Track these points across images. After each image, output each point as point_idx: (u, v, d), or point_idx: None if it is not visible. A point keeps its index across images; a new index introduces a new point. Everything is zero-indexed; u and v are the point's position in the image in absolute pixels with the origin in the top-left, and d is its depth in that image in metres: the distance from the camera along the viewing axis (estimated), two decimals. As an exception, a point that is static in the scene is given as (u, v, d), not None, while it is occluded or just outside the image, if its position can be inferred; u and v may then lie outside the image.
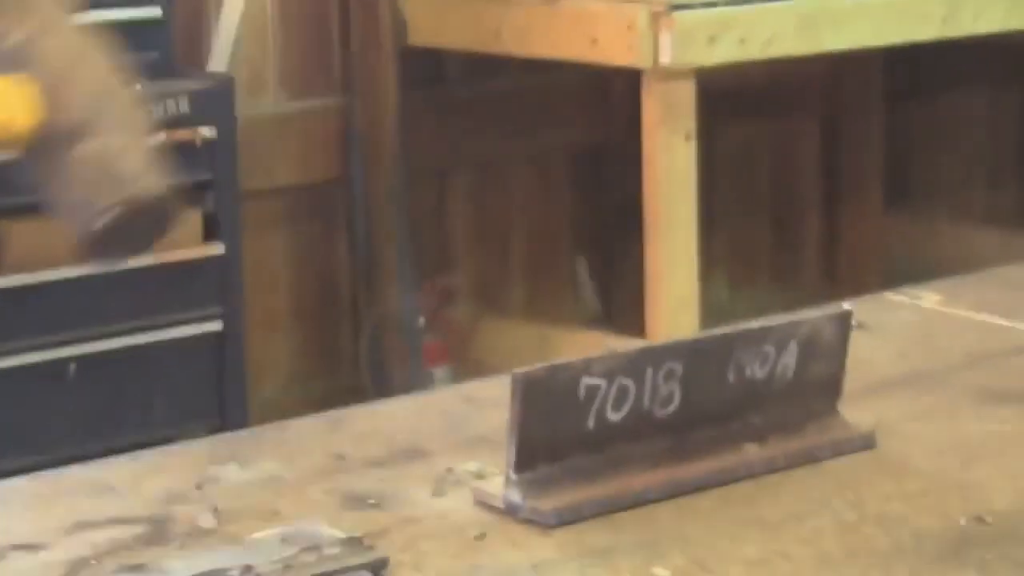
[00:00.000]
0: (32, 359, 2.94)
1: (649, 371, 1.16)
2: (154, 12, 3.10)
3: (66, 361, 2.96)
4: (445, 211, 3.75)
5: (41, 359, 2.95)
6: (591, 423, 1.16)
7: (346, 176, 3.55)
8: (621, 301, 3.84)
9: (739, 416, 1.24)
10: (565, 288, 3.91)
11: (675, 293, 3.18)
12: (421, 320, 3.53)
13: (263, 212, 3.48)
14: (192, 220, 3.08)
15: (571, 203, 3.91)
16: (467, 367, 3.60)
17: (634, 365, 1.15)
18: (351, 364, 3.61)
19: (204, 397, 3.11)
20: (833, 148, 4.22)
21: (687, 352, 1.16)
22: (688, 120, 3.16)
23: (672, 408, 1.19)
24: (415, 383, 3.48)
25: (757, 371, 1.20)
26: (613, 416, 1.17)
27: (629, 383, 1.16)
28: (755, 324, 1.20)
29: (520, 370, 1.14)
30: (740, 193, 4.10)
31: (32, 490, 1.38)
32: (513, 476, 1.21)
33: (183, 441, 1.49)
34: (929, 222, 4.26)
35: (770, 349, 1.19)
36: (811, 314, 1.23)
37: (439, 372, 3.53)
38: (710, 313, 3.35)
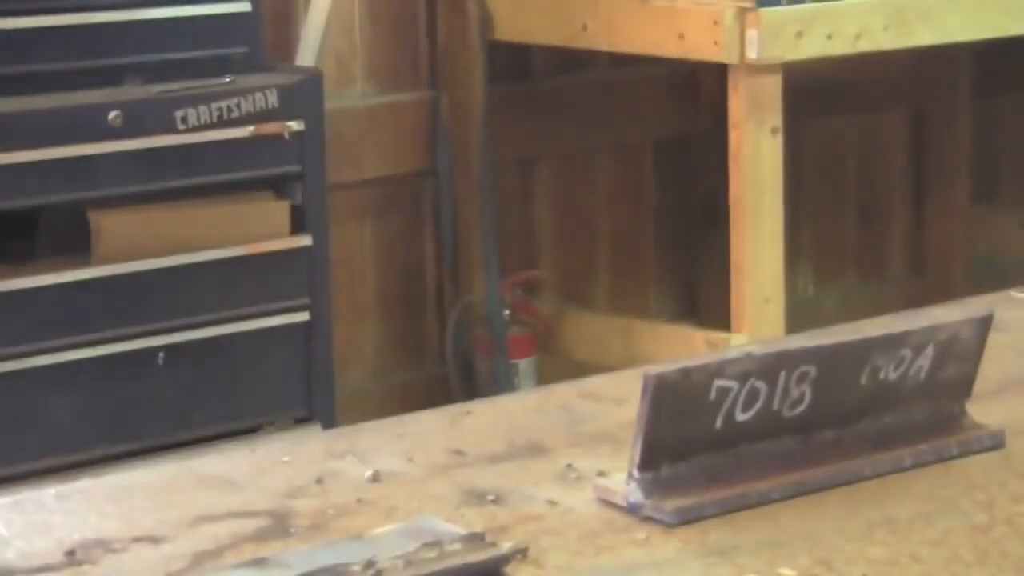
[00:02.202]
0: (122, 348, 2.97)
1: (783, 374, 1.16)
2: (243, 6, 3.13)
3: (155, 350, 2.99)
4: (530, 204, 3.77)
5: (131, 348, 2.97)
6: (719, 423, 1.17)
7: (432, 169, 3.58)
8: (706, 295, 3.85)
9: (867, 416, 1.24)
10: (649, 281, 3.92)
11: (760, 287, 3.18)
12: (506, 312, 3.54)
13: (350, 204, 3.50)
14: (280, 212, 3.11)
15: (656, 197, 3.91)
16: (551, 359, 3.61)
17: (768, 368, 1.16)
18: (436, 355, 3.63)
19: (291, 387, 3.13)
20: (921, 142, 4.21)
21: (824, 356, 1.17)
22: (774, 114, 3.17)
23: (801, 408, 1.19)
24: (499, 375, 3.50)
25: (891, 373, 1.20)
26: (741, 416, 1.17)
27: (761, 385, 1.16)
28: (895, 328, 1.19)
29: (653, 370, 1.15)
30: (827, 187, 4.09)
31: (154, 482, 1.38)
32: (636, 474, 1.21)
33: (301, 435, 1.49)
34: (1017, 216, 4.24)
35: (907, 352, 1.19)
36: (951, 317, 1.23)
37: (523, 364, 3.55)
38: (795, 307, 3.35)
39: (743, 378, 1.15)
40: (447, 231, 3.58)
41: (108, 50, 3.04)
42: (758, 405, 1.17)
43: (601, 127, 3.78)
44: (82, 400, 2.94)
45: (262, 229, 3.09)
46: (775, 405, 1.18)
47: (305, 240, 3.12)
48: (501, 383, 3.50)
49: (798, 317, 3.53)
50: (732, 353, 1.17)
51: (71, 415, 2.93)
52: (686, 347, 3.31)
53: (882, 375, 1.21)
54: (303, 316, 3.12)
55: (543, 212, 3.78)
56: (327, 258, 3.17)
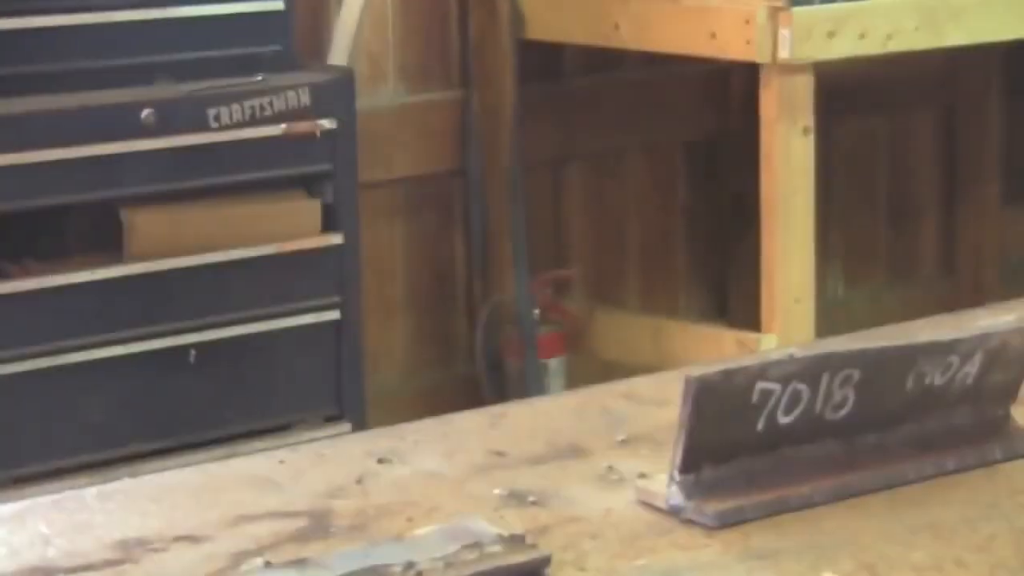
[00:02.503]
0: (154, 346, 2.98)
1: (826, 377, 1.16)
2: (276, 5, 3.14)
3: (187, 348, 3.00)
4: (561, 203, 3.77)
5: (163, 346, 2.99)
6: (760, 425, 1.17)
7: (463, 168, 3.58)
8: (736, 295, 3.85)
9: (911, 420, 1.24)
10: (679, 281, 3.92)
11: (791, 287, 3.18)
12: (536, 311, 3.55)
13: (381, 203, 3.51)
14: (312, 210, 3.12)
15: (686, 196, 3.91)
16: (581, 359, 3.61)
17: (811, 371, 1.16)
18: (466, 354, 3.64)
19: (322, 384, 3.14)
20: (951, 143, 4.20)
21: (869, 360, 1.17)
22: (806, 114, 3.17)
23: (844, 412, 1.19)
24: (529, 374, 3.50)
25: (937, 379, 1.20)
26: (783, 419, 1.17)
27: (804, 388, 1.16)
28: (942, 335, 1.19)
29: (695, 373, 1.15)
30: (857, 187, 4.09)
31: (194, 482, 1.38)
32: (677, 477, 1.21)
33: (342, 435, 1.50)
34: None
35: (955, 359, 1.19)
36: (1001, 325, 1.22)
37: (553, 363, 3.55)
38: (826, 308, 3.35)
39: (785, 381, 1.15)
40: (477, 230, 3.59)
41: (141, 48, 3.05)
42: (800, 408, 1.17)
43: (632, 127, 3.78)
44: (114, 397, 2.95)
45: (293, 228, 3.09)
46: (817, 408, 1.18)
47: (336, 239, 3.12)
48: (530, 382, 3.50)
49: (828, 318, 3.53)
50: (775, 355, 1.17)
51: (103, 412, 2.94)
52: (716, 347, 3.31)
53: (928, 380, 1.21)
54: (334, 314, 3.13)
55: (573, 211, 3.79)
56: (358, 257, 3.17)
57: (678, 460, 1.19)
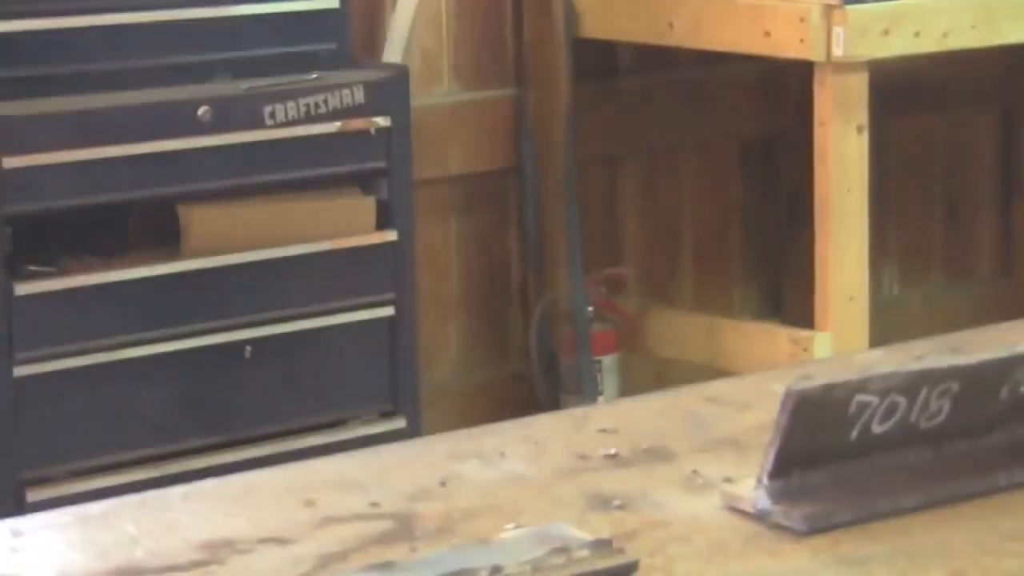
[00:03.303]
0: (210, 341, 2.99)
1: (924, 390, 1.16)
2: (332, 3, 3.15)
3: (242, 344, 3.02)
4: (615, 201, 3.78)
5: (219, 341, 3.00)
6: (854, 434, 1.17)
7: (517, 166, 3.59)
8: (791, 293, 3.84)
9: (1003, 427, 1.24)
10: (733, 279, 3.91)
11: (845, 286, 3.18)
12: (589, 309, 3.55)
13: (435, 200, 3.52)
14: (366, 207, 3.13)
15: (740, 194, 3.91)
16: (635, 356, 3.62)
17: (911, 384, 1.16)
18: (520, 352, 3.64)
19: (376, 381, 3.15)
20: (1009, 141, 4.19)
21: (969, 373, 1.17)
22: (860, 112, 3.16)
23: (937, 420, 1.19)
24: (583, 372, 3.51)
25: (1031, 386, 1.20)
26: (877, 428, 1.17)
27: (902, 400, 1.16)
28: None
29: (795, 385, 1.15)
30: (913, 186, 4.07)
31: (277, 482, 1.38)
32: (766, 481, 1.21)
33: (424, 437, 1.50)
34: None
35: (1050, 367, 1.19)
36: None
37: (607, 361, 3.55)
38: (881, 306, 3.34)
39: (884, 393, 1.15)
40: (531, 228, 3.59)
41: (198, 46, 3.06)
42: (896, 418, 1.17)
43: (686, 125, 3.78)
44: (170, 392, 2.97)
45: (348, 224, 3.11)
46: (912, 418, 1.18)
47: (391, 236, 3.13)
48: (584, 380, 3.51)
49: (883, 317, 3.53)
50: (876, 369, 1.17)
51: (159, 407, 2.96)
52: (770, 346, 3.31)
53: (1022, 388, 1.21)
54: (388, 311, 3.14)
55: (627, 210, 3.79)
56: (412, 254, 3.18)
57: (769, 466, 1.19)
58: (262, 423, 3.05)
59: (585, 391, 3.50)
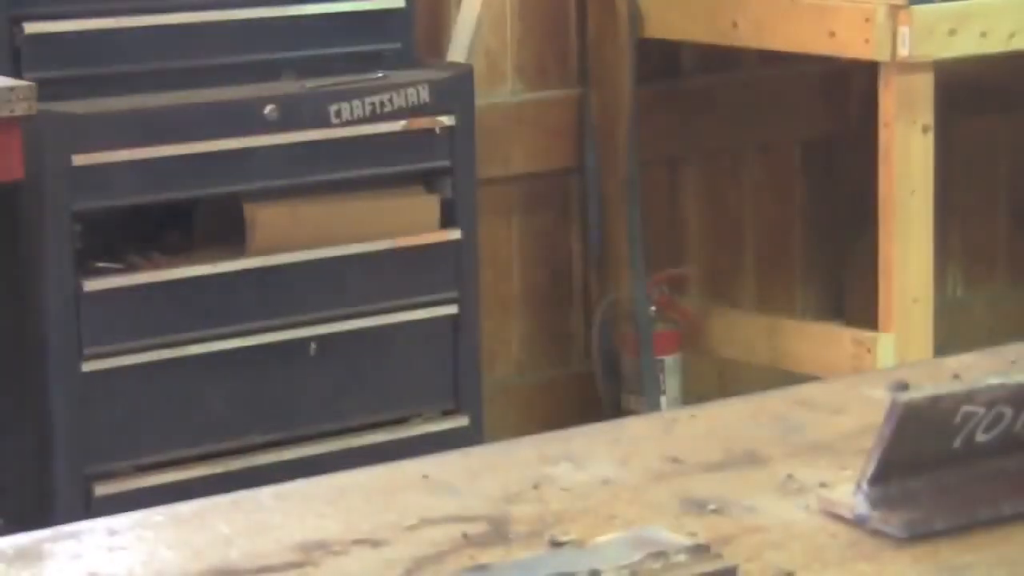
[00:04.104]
0: (275, 338, 3.01)
1: (1031, 400, 1.16)
2: (398, 3, 3.16)
3: (307, 341, 3.03)
4: (677, 201, 3.78)
5: (284, 339, 3.02)
6: (957, 443, 1.17)
7: (580, 166, 3.59)
8: (854, 294, 3.83)
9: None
10: (796, 279, 3.91)
11: (909, 288, 3.17)
12: (652, 309, 3.55)
13: (498, 200, 3.53)
14: (431, 206, 3.14)
15: (803, 195, 3.91)
16: (697, 356, 3.62)
17: (1019, 396, 1.15)
18: (582, 351, 3.65)
19: (439, 379, 3.16)
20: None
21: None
22: (925, 113, 3.16)
23: (1041, 428, 1.19)
24: (645, 372, 3.51)
25: None
26: (981, 437, 1.17)
27: (1008, 410, 1.16)
28: None
29: (902, 396, 1.15)
30: (978, 188, 4.06)
31: (368, 484, 1.38)
32: (865, 487, 1.21)
33: (513, 439, 1.49)
34: None
35: None
36: None
37: (669, 361, 3.55)
38: (944, 308, 3.33)
39: (991, 404, 1.15)
40: (594, 228, 3.60)
41: (265, 45, 3.08)
42: (1000, 428, 1.17)
43: (749, 126, 3.78)
44: (235, 389, 2.99)
45: (412, 223, 3.12)
46: (1017, 427, 1.18)
47: (454, 234, 3.14)
48: (646, 380, 3.51)
49: (947, 319, 3.52)
50: (984, 380, 1.16)
51: (225, 403, 2.98)
52: (832, 347, 3.30)
53: None
54: (451, 309, 3.15)
55: (690, 210, 3.79)
56: (475, 252, 3.19)
57: (870, 472, 1.19)
58: (325, 420, 3.07)
59: (647, 391, 3.50)
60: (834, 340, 3.31)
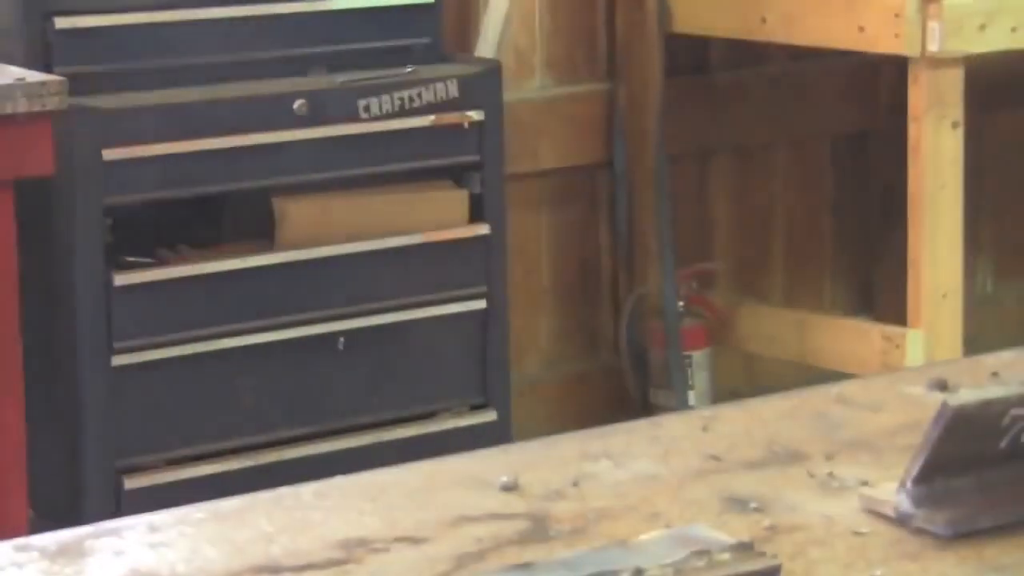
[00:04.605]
0: (304, 333, 3.02)
1: (1082, 402, 1.16)
2: (426, -2, 3.16)
3: (336, 335, 3.04)
4: (706, 196, 3.78)
5: (312, 333, 3.02)
6: (1003, 443, 1.17)
7: (609, 160, 3.59)
8: (883, 290, 3.83)
9: None
10: (825, 275, 3.91)
11: (938, 283, 3.17)
12: (680, 304, 3.55)
13: (527, 194, 3.53)
14: (459, 201, 3.14)
15: (832, 190, 3.90)
16: (725, 351, 3.62)
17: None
18: (610, 345, 3.65)
19: (467, 374, 3.16)
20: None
21: None
22: (955, 108, 3.15)
23: (1088, 430, 1.19)
24: (673, 366, 3.51)
25: None
26: (1027, 438, 1.17)
27: (1057, 413, 1.16)
28: None
29: (953, 400, 1.15)
30: (1008, 183, 4.05)
31: (408, 481, 1.38)
32: (909, 486, 1.21)
33: (552, 436, 1.49)
34: None
35: None
36: None
37: (697, 356, 3.55)
38: (974, 304, 3.33)
39: (1040, 406, 1.15)
40: (622, 223, 3.60)
41: (294, 40, 3.08)
42: (1048, 429, 1.17)
43: (778, 120, 3.77)
44: (264, 383, 2.99)
45: (441, 217, 3.12)
46: (1066, 429, 1.18)
47: (483, 229, 3.15)
48: (674, 374, 3.51)
49: (977, 314, 3.51)
50: (1007, 371, 1.16)
51: (254, 397, 2.99)
52: (861, 342, 3.30)
53: None
54: (480, 304, 3.15)
55: (718, 205, 3.79)
56: (504, 247, 3.19)
57: (915, 471, 1.19)
58: (354, 414, 3.07)
59: (675, 386, 3.50)
60: (863, 335, 3.31)
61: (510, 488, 1.34)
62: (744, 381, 3.69)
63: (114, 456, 2.89)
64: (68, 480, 2.90)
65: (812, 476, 1.33)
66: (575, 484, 1.34)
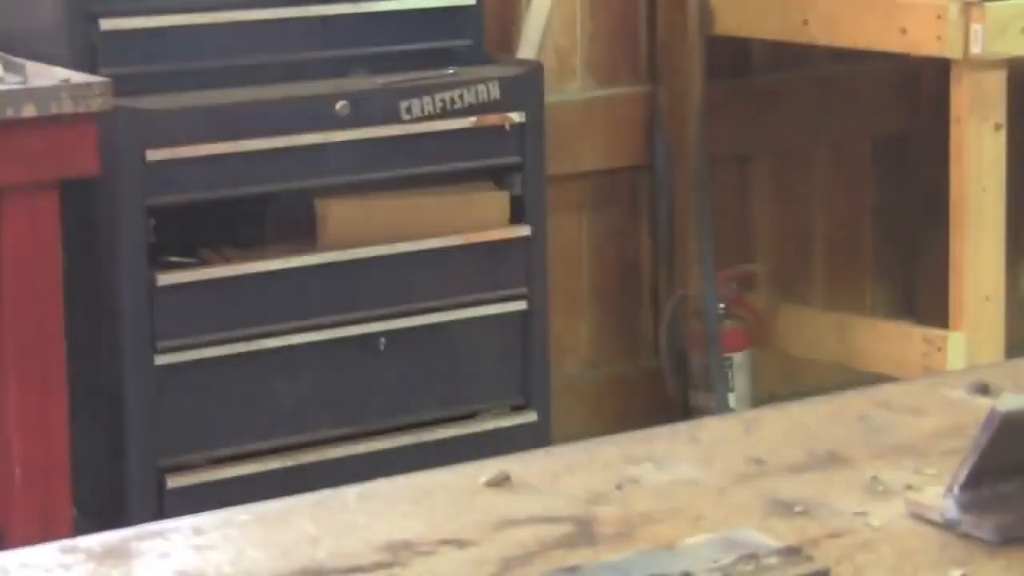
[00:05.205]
0: (345, 333, 3.02)
1: None
2: (468, 0, 3.16)
3: (376, 336, 3.04)
4: (747, 198, 3.77)
5: (353, 333, 3.03)
6: (1052, 449, 1.17)
7: (649, 163, 3.59)
8: (925, 292, 3.82)
9: None
10: (866, 277, 3.90)
11: (980, 285, 3.16)
12: (721, 306, 3.55)
13: (568, 196, 3.53)
14: (500, 202, 3.14)
15: (873, 192, 3.89)
16: (766, 353, 3.61)
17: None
18: (650, 347, 3.65)
19: (507, 375, 3.17)
20: None
21: None
22: (998, 110, 3.14)
23: None
24: (713, 368, 3.51)
25: None
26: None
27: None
28: None
29: (1002, 407, 1.14)
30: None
31: (451, 483, 1.38)
32: (956, 491, 1.21)
33: (593, 439, 1.49)
34: None
35: None
36: None
37: (737, 358, 3.55)
38: (1017, 306, 3.31)
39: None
40: (663, 225, 3.60)
41: (336, 42, 3.09)
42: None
43: (820, 123, 3.77)
44: (306, 383, 3.00)
45: (482, 219, 3.12)
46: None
47: (524, 230, 3.15)
48: (715, 377, 3.51)
49: (1020, 317, 3.50)
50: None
51: (295, 397, 3.00)
52: (902, 345, 3.29)
53: None
54: (520, 305, 3.16)
55: (759, 207, 3.78)
56: (545, 248, 3.19)
57: (962, 477, 1.18)
58: (394, 415, 3.08)
59: (715, 388, 3.50)
60: (904, 338, 3.30)
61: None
62: (784, 384, 3.68)
63: (157, 455, 2.90)
64: (111, 479, 2.92)
65: (856, 480, 1.33)
66: (618, 487, 1.34)
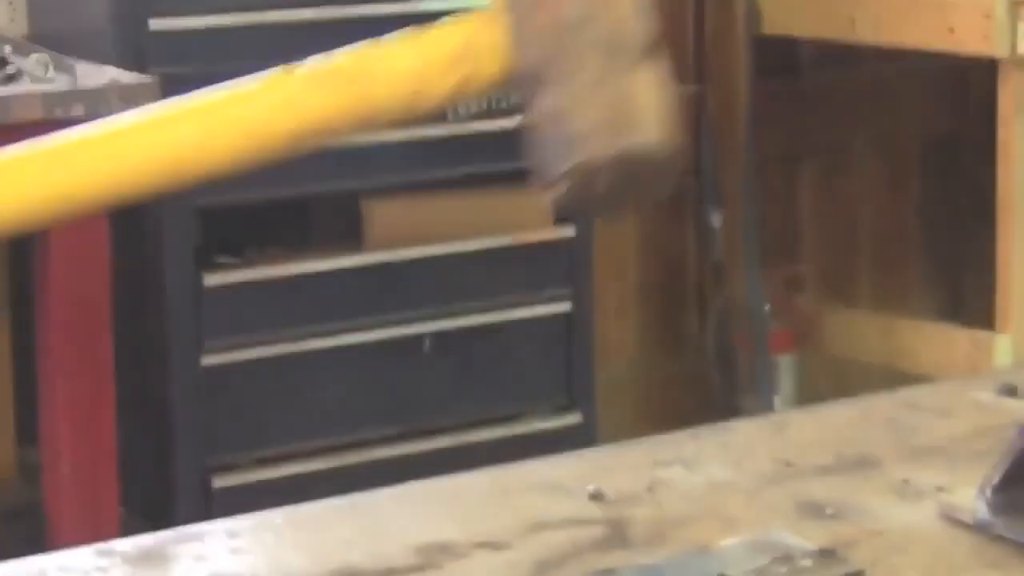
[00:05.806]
0: (390, 334, 3.03)
1: None
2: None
3: (422, 336, 3.05)
4: (794, 199, 3.76)
5: (399, 334, 3.04)
6: (1085, 451, 1.17)
7: (696, 163, 3.59)
8: (972, 294, 3.80)
9: None
10: (913, 279, 3.88)
11: (1028, 287, 3.14)
12: (767, 307, 3.54)
13: (614, 196, 3.52)
14: (544, 203, 3.14)
15: (921, 192, 3.87)
16: (812, 355, 3.60)
17: None
18: (696, 350, 3.64)
19: (552, 376, 3.17)
20: None
21: None
22: (1047, 111, 3.12)
23: None
24: (759, 370, 3.50)
25: None
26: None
27: None
28: None
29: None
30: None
31: (485, 486, 1.39)
32: (990, 494, 1.20)
33: (623, 442, 1.49)
34: None
35: None
36: None
37: (784, 360, 3.54)
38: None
39: None
40: (710, 226, 3.59)
41: (384, 42, 3.09)
42: None
43: (867, 123, 3.75)
44: (351, 383, 3.01)
45: (528, 219, 3.12)
46: None
47: (569, 231, 3.15)
48: (761, 378, 3.50)
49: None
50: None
51: (340, 397, 3.01)
52: (949, 347, 3.27)
53: None
54: (565, 306, 3.16)
55: (806, 208, 3.77)
56: (590, 250, 3.19)
57: (995, 479, 1.18)
58: (439, 416, 3.09)
59: (761, 390, 3.49)
60: (950, 340, 3.28)
61: (598, 497, 1.34)
62: (831, 385, 3.66)
63: (204, 455, 2.92)
64: (158, 479, 2.94)
65: (886, 482, 1.32)
66: (650, 490, 1.34)
